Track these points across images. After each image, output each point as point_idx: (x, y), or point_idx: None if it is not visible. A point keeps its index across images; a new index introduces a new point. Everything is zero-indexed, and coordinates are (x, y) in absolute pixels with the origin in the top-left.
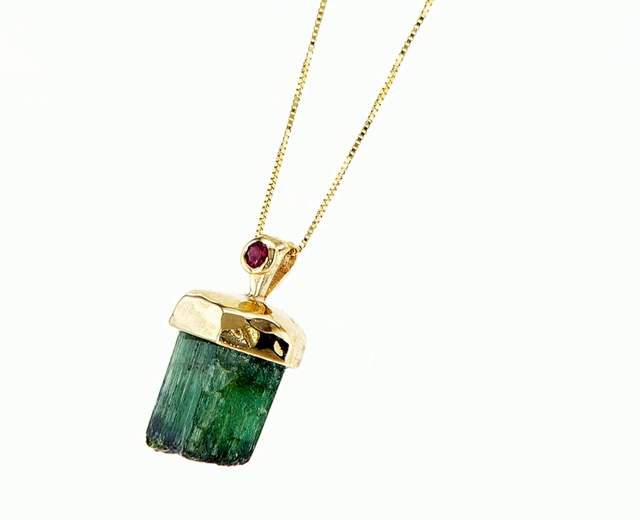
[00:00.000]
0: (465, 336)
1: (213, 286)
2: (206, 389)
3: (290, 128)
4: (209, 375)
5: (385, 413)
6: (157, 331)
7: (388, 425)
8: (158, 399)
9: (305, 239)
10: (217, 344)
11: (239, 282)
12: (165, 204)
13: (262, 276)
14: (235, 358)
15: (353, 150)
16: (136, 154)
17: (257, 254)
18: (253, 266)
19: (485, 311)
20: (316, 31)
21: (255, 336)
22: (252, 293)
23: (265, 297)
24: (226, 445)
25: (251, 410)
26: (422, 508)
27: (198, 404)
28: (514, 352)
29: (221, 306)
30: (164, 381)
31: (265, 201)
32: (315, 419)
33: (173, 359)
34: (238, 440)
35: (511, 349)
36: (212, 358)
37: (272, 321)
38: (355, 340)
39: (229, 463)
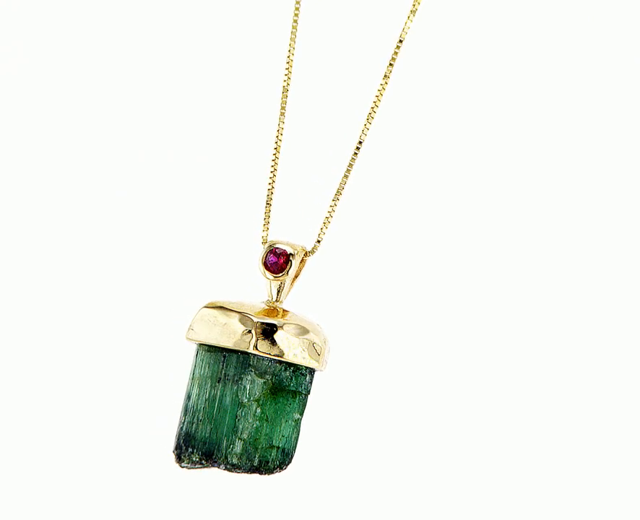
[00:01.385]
0: (479, 337)
1: (227, 295)
2: (243, 400)
3: (283, 113)
4: (244, 386)
5: (400, 416)
6: (155, 346)
7: (401, 430)
8: (185, 415)
9: (318, 242)
10: (249, 354)
11: (239, 289)
12: (156, 217)
13: (281, 281)
14: (268, 366)
15: (358, 146)
16: (127, 159)
17: (276, 260)
18: (274, 272)
19: (496, 310)
20: (294, 22)
21: (289, 342)
22: (270, 299)
23: (282, 302)
24: (267, 454)
25: (287, 417)
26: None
27: (236, 416)
28: (533, 349)
29: (249, 315)
30: (189, 397)
31: (266, 206)
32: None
33: (197, 373)
34: (278, 447)
35: (528, 345)
36: (244, 368)
37: (304, 326)
38: (363, 340)
39: (270, 472)
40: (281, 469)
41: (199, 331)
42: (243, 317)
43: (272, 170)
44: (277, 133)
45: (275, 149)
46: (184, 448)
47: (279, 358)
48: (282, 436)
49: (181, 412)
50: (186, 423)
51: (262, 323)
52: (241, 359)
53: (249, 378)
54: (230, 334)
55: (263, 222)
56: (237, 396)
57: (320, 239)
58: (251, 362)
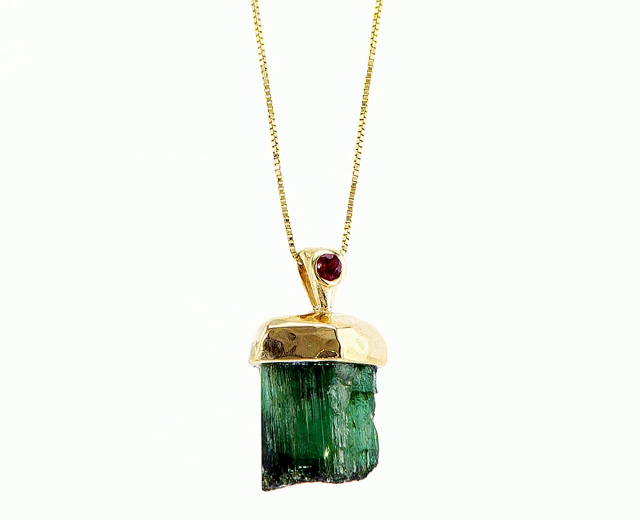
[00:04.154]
0: (481, 337)
1: (278, 312)
2: (335, 408)
3: (271, 108)
4: (332, 395)
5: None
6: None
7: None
8: (271, 437)
9: (345, 245)
10: (332, 363)
11: (243, 299)
12: (157, 242)
13: (332, 287)
14: (349, 372)
15: (359, 142)
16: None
17: (327, 267)
18: (331, 279)
19: (531, 301)
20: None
21: (367, 345)
22: (320, 306)
23: (332, 307)
24: (360, 459)
25: (366, 418)
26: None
27: (332, 426)
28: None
29: (326, 326)
30: (270, 418)
31: (285, 218)
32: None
33: (274, 393)
34: (367, 450)
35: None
36: (328, 378)
37: (368, 327)
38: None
39: (365, 475)
40: (371, 470)
41: (269, 352)
42: (321, 329)
43: (278, 179)
44: (272, 143)
45: (275, 156)
46: (282, 469)
47: (361, 362)
48: (368, 438)
49: (265, 435)
50: (275, 445)
51: (341, 330)
52: (322, 370)
53: (335, 386)
54: (312, 348)
55: (287, 235)
56: (327, 406)
57: (346, 240)
58: (335, 371)
